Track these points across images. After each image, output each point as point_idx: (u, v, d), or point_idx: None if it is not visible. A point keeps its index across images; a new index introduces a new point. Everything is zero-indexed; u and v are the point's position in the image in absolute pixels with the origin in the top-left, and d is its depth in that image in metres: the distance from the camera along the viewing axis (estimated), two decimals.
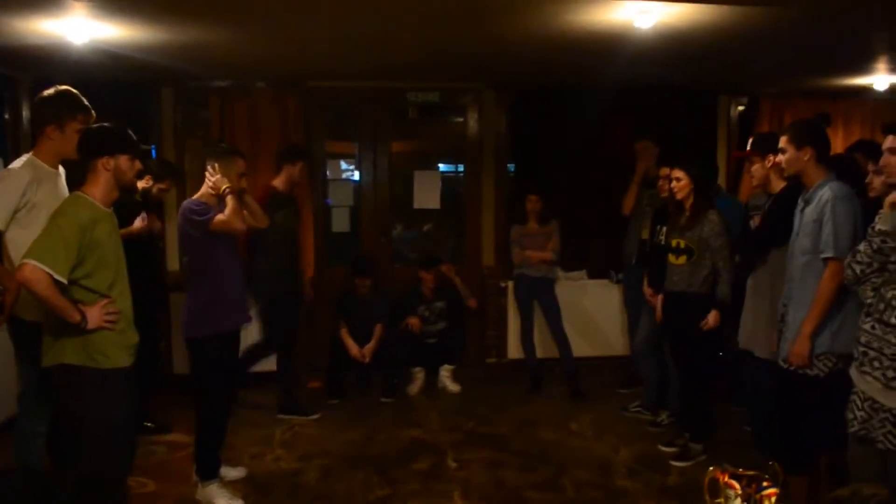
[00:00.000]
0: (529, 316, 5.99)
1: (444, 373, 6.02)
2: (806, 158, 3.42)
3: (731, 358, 4.67)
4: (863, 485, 1.49)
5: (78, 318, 2.84)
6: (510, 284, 6.23)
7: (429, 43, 4.81)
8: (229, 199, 3.86)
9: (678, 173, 4.42)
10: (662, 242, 4.83)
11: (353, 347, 5.73)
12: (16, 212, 3.22)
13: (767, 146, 3.92)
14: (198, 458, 3.99)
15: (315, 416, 5.28)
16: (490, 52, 5.02)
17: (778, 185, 3.91)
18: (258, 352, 5.36)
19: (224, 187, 3.86)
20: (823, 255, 3.30)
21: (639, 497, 4.02)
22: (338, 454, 4.64)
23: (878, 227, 2.84)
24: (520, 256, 5.86)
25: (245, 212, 4.03)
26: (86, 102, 3.16)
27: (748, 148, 4.10)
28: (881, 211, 2.86)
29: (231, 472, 4.18)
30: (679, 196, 4.43)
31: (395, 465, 4.46)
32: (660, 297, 4.66)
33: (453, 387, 5.98)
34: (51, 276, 2.75)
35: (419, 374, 6.01)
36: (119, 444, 3.07)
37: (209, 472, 3.96)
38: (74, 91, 3.18)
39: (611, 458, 4.56)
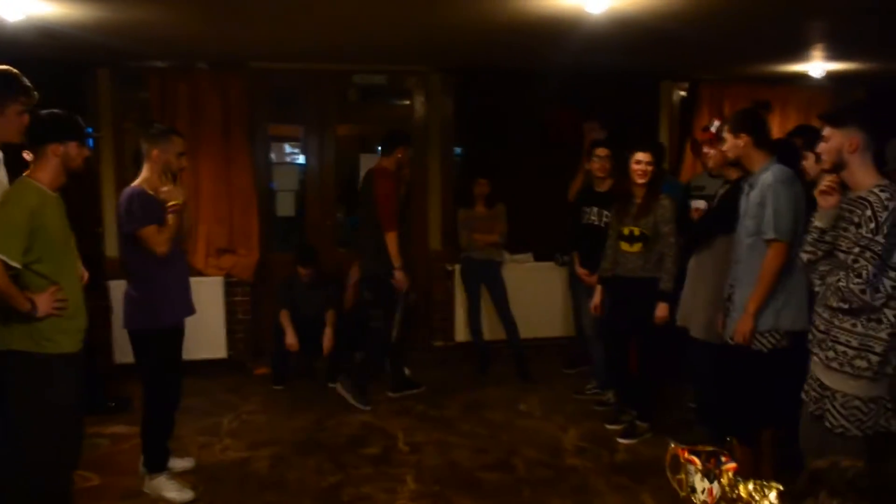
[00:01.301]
0: (476, 299, 6.03)
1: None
2: (742, 144, 3.55)
3: (677, 336, 4.78)
4: (841, 457, 1.54)
5: (28, 306, 2.87)
6: (457, 268, 6.24)
7: (375, 25, 4.73)
8: (171, 218, 3.70)
9: (645, 156, 4.42)
10: (594, 223, 4.90)
11: (290, 335, 5.62)
12: None
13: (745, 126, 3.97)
14: (145, 451, 3.91)
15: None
16: (438, 35, 4.99)
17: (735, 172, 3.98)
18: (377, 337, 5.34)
19: (172, 203, 3.71)
20: (765, 237, 3.41)
21: (588, 474, 4.10)
22: (287, 441, 4.60)
23: (815, 223, 2.97)
24: (467, 240, 5.87)
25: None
26: (28, 83, 3.03)
27: (717, 130, 4.11)
28: (818, 207, 2.98)
29: (179, 463, 4.11)
30: (642, 180, 4.43)
31: (346, 451, 4.44)
32: (596, 282, 4.72)
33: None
34: (3, 263, 2.77)
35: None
36: (67, 430, 3.07)
37: (157, 465, 3.88)
38: (16, 71, 3.03)
39: (560, 438, 4.64)
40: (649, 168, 4.42)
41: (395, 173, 5.20)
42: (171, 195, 3.73)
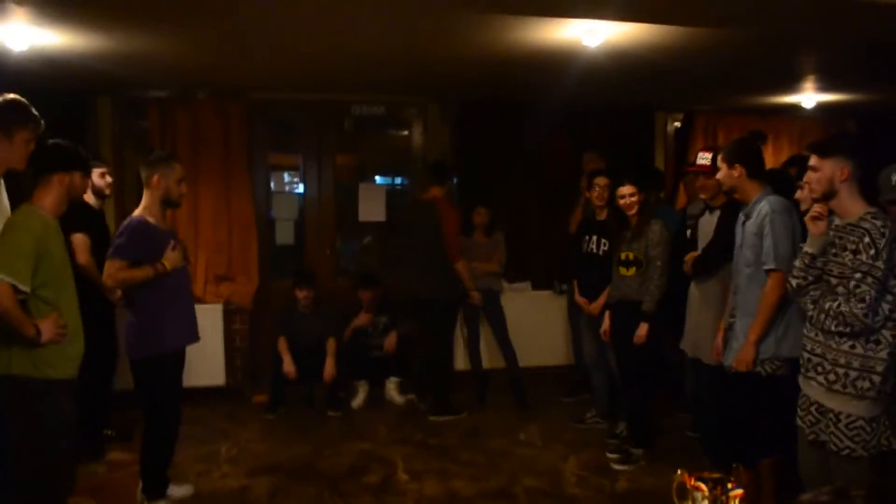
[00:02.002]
0: (476, 327, 6.04)
1: (391, 385, 6.01)
2: (737, 175, 3.60)
3: (672, 365, 4.81)
4: (822, 488, 1.58)
5: (33, 332, 2.91)
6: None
7: (374, 57, 4.81)
8: (147, 270, 3.68)
9: (629, 189, 4.54)
10: (593, 252, 4.96)
11: (288, 364, 5.62)
12: None
13: (738, 157, 4.02)
14: (144, 477, 3.89)
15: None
16: (437, 67, 5.07)
17: (720, 200, 4.05)
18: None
19: (171, 267, 3.73)
20: (765, 267, 3.45)
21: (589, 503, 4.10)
22: (286, 469, 4.58)
23: (806, 249, 3.02)
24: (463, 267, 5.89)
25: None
26: (36, 113, 3.12)
27: (709, 162, 4.16)
28: (809, 234, 3.04)
29: (177, 491, 4.07)
30: (630, 212, 4.56)
31: (345, 479, 4.42)
32: (606, 315, 4.76)
33: (399, 399, 5.97)
34: (13, 288, 2.84)
35: (362, 387, 5.97)
36: (62, 454, 3.09)
37: (157, 492, 3.86)
38: (25, 101, 3.12)
39: (560, 467, 4.63)
40: (633, 199, 4.53)
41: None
42: (174, 261, 3.76)
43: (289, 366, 5.61)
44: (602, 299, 4.89)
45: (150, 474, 3.88)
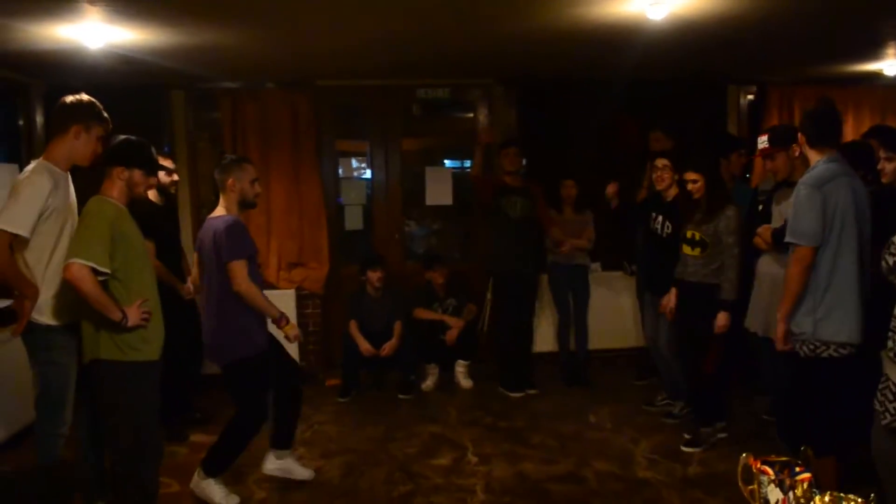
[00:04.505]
0: (567, 307, 6.01)
1: (459, 369, 6.04)
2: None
3: (748, 346, 4.68)
4: None
5: (119, 315, 3.08)
6: (544, 277, 6.17)
7: (437, 40, 4.81)
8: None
9: (693, 175, 4.44)
10: (657, 232, 4.85)
11: (363, 343, 5.73)
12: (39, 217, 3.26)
13: (787, 138, 3.91)
14: (213, 456, 3.95)
15: None
16: (499, 47, 5.02)
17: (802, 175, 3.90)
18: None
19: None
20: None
21: (661, 487, 4.03)
22: (359, 451, 4.66)
23: None
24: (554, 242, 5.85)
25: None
26: (105, 114, 3.42)
27: (767, 144, 4.07)
28: None
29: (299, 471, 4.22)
30: (696, 196, 4.46)
31: (416, 461, 4.48)
32: (673, 291, 4.63)
33: (466, 382, 6.00)
34: (94, 271, 3.00)
35: (433, 371, 6.03)
36: (151, 429, 3.30)
37: (216, 470, 3.95)
38: (97, 102, 3.41)
39: (631, 450, 4.58)
40: (696, 186, 4.42)
41: None
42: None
43: (364, 345, 5.72)
44: (673, 297, 4.66)
45: (220, 456, 3.95)
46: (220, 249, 3.74)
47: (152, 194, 4.70)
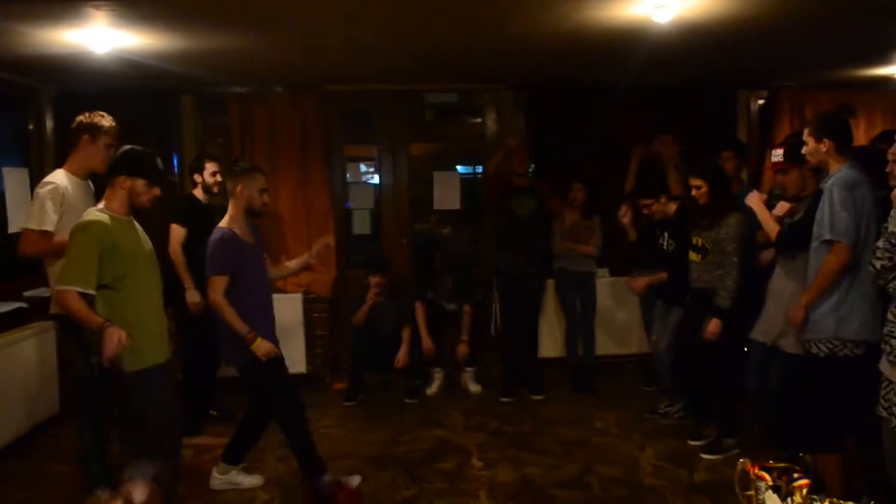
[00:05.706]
0: (574, 313, 5.99)
1: (466, 374, 6.02)
2: (825, 150, 3.44)
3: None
4: None
5: (96, 327, 3.05)
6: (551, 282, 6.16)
7: (445, 44, 4.81)
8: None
9: (696, 181, 4.44)
10: (662, 247, 4.92)
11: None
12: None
13: (804, 156, 3.86)
14: (234, 444, 4.14)
15: None
16: (507, 51, 5.02)
17: (813, 187, 3.86)
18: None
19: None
20: (823, 238, 3.33)
21: (666, 493, 4.00)
22: (363, 455, 4.65)
23: (889, 228, 2.87)
24: (561, 248, 5.87)
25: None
26: (112, 121, 3.68)
27: (782, 159, 4.02)
28: (893, 210, 2.88)
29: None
30: (701, 202, 4.45)
31: (420, 466, 4.47)
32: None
33: (474, 387, 5.98)
34: (78, 292, 3.05)
35: (438, 375, 6.01)
36: (163, 430, 3.30)
37: (236, 458, 4.12)
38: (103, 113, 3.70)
39: (637, 456, 4.55)
40: (701, 192, 4.41)
41: None
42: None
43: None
44: (643, 279, 5.12)
45: (241, 445, 4.11)
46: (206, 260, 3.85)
47: (198, 192, 5.04)
